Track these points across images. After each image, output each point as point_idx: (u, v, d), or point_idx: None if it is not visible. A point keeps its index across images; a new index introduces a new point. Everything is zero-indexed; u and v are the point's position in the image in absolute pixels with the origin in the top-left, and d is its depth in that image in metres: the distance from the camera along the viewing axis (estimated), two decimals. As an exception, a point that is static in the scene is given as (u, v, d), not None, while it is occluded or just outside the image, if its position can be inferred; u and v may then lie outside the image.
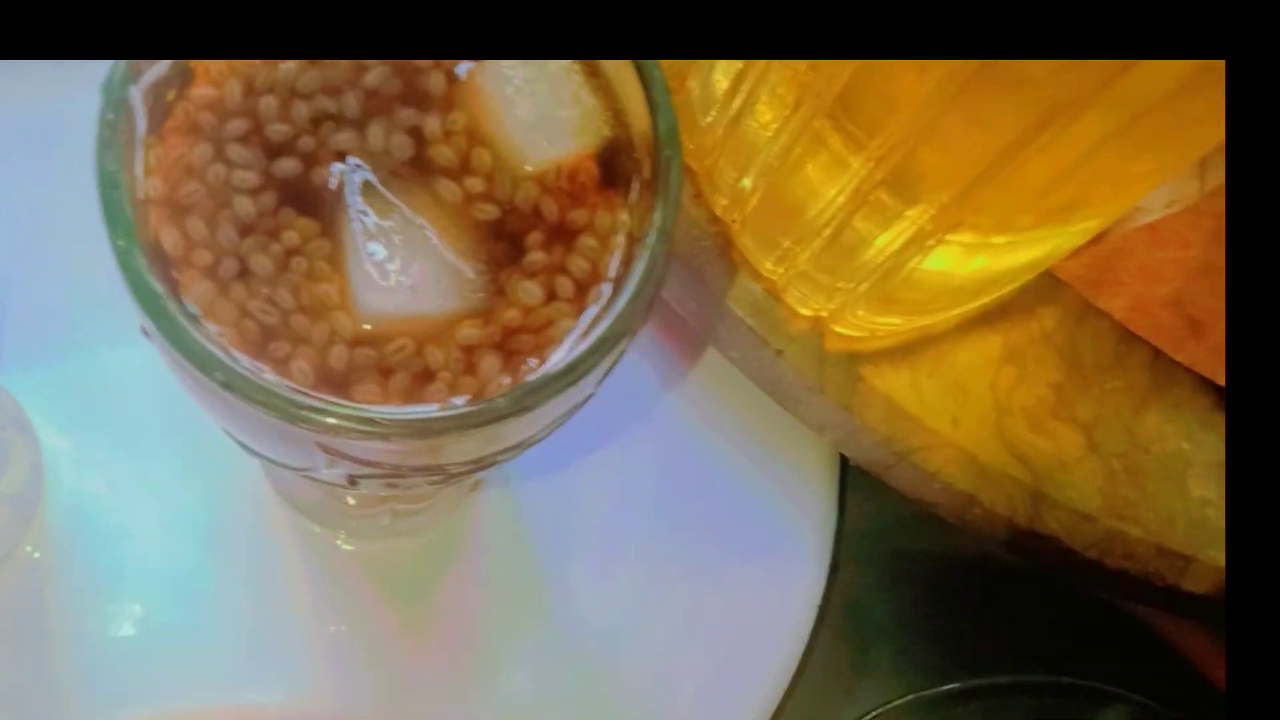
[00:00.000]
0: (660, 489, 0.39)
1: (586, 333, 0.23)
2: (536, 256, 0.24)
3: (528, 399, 0.22)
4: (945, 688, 0.38)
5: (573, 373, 0.22)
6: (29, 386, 0.38)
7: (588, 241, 0.24)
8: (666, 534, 0.38)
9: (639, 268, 0.22)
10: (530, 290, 0.23)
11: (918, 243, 0.30)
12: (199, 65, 0.24)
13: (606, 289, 0.23)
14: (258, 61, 0.24)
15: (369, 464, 0.23)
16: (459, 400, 0.23)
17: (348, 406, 0.22)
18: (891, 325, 0.34)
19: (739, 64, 0.30)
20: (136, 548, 0.38)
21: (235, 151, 0.24)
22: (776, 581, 0.38)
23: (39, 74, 0.39)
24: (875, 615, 0.40)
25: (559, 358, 0.23)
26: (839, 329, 0.34)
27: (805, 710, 0.39)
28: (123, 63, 0.22)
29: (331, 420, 0.21)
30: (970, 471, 0.34)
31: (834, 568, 0.39)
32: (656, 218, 0.23)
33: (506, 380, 0.23)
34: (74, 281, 0.39)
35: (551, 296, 0.24)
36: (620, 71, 0.24)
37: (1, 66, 0.39)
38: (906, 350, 0.34)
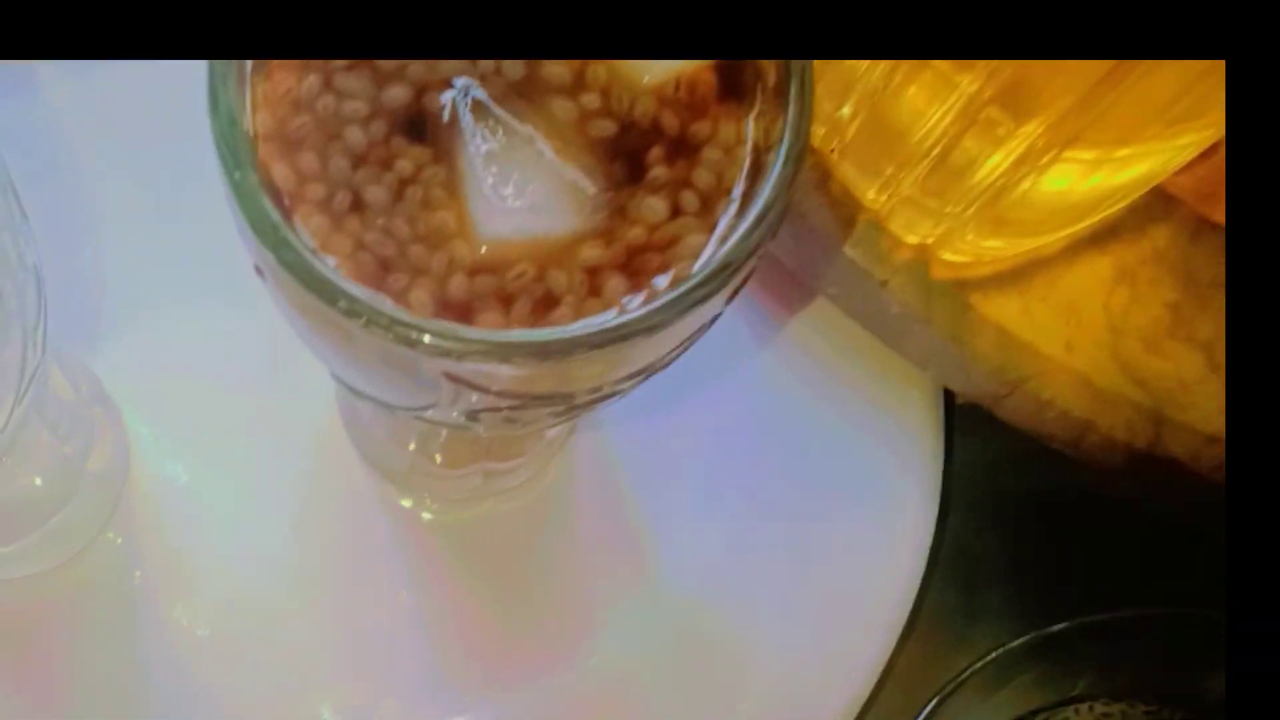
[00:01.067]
0: (759, 437, 0.38)
1: (718, 248, 0.22)
2: (659, 172, 0.23)
3: (657, 315, 0.21)
4: (1059, 626, 0.36)
5: (704, 287, 0.21)
6: (113, 367, 0.38)
7: (712, 154, 0.23)
8: (767, 482, 0.37)
9: (773, 175, 0.21)
10: (654, 206, 0.23)
11: (1031, 160, 0.29)
12: (301, -4, 0.23)
13: (734, 202, 0.23)
14: (360, -12, 0.23)
15: (492, 393, 0.22)
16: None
17: (475, 330, 0.21)
18: (999, 249, 0.33)
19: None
20: (220, 531, 0.38)
21: (343, 81, 0.23)
22: (884, 527, 0.37)
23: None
24: (984, 558, 0.39)
25: (692, 275, 0.22)
26: (946, 255, 0.32)
27: (918, 658, 0.38)
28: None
29: (457, 344, 0.20)
30: (1087, 397, 0.33)
31: (942, 512, 0.38)
32: (790, 122, 0.22)
33: (635, 301, 0.22)
34: (159, 260, 0.39)
35: (677, 212, 0.23)
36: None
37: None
38: (1015, 275, 0.33)
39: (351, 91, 0.23)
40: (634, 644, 0.37)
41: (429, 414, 0.24)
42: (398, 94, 0.23)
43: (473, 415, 0.23)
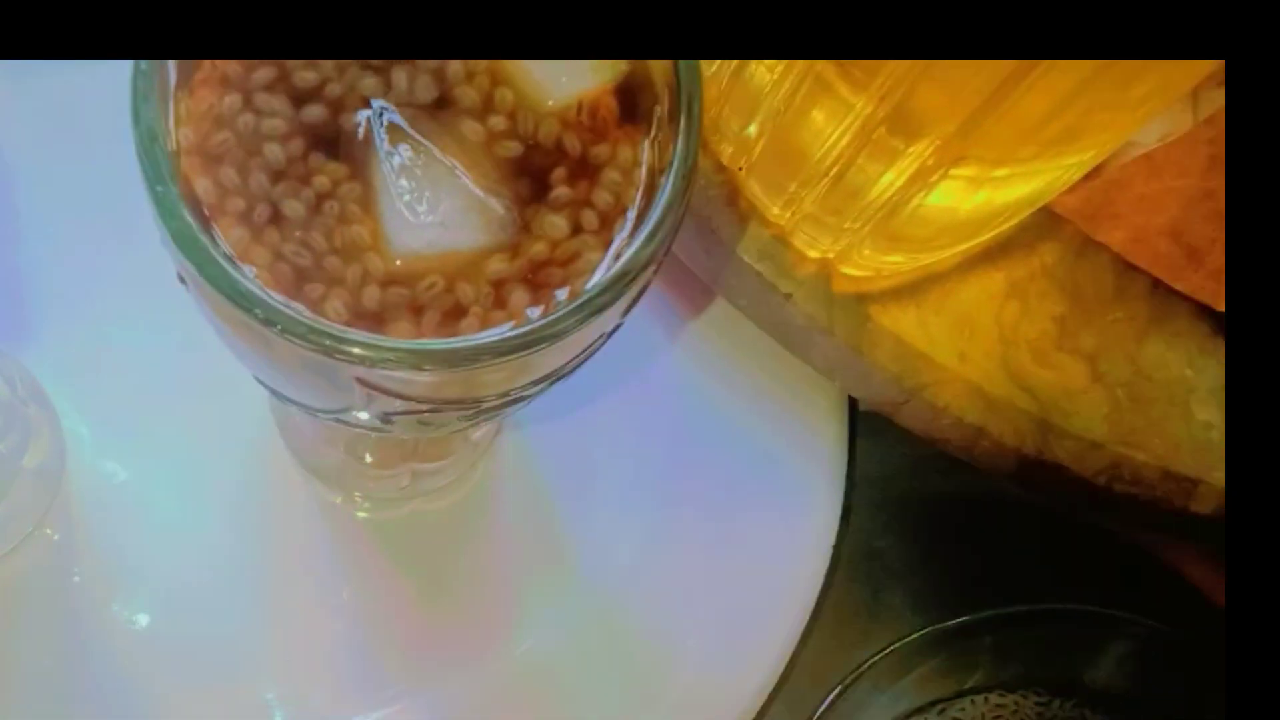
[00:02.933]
0: (672, 439, 0.39)
1: (613, 263, 0.24)
2: (561, 191, 0.24)
3: (557, 325, 0.23)
4: (956, 620, 0.38)
5: (600, 299, 0.22)
6: (49, 365, 0.39)
7: (611, 175, 0.24)
8: (680, 481, 0.39)
9: (664, 195, 0.23)
10: (556, 224, 0.24)
11: (921, 179, 0.31)
12: (224, 18, 0.25)
13: (630, 221, 0.24)
14: (281, 12, 0.25)
15: (405, 398, 0.24)
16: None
17: (385, 339, 0.22)
18: (897, 264, 0.34)
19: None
20: (157, 527, 0.39)
21: (263, 100, 0.24)
22: (790, 527, 0.39)
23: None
24: (886, 557, 0.41)
25: (588, 289, 0.24)
26: (846, 269, 0.34)
27: (822, 653, 0.40)
28: (153, 13, 0.23)
29: (370, 352, 0.22)
30: (979, 404, 0.35)
31: (846, 512, 0.39)
32: (679, 145, 0.23)
33: (536, 312, 0.24)
34: (93, 260, 0.40)
35: (577, 230, 0.24)
36: None
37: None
38: (912, 289, 0.35)
39: (271, 109, 0.24)
40: (557, 635, 0.38)
41: (346, 417, 0.26)
42: (315, 112, 0.24)
43: (387, 419, 0.25)
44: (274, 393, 0.27)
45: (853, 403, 0.40)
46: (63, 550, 0.39)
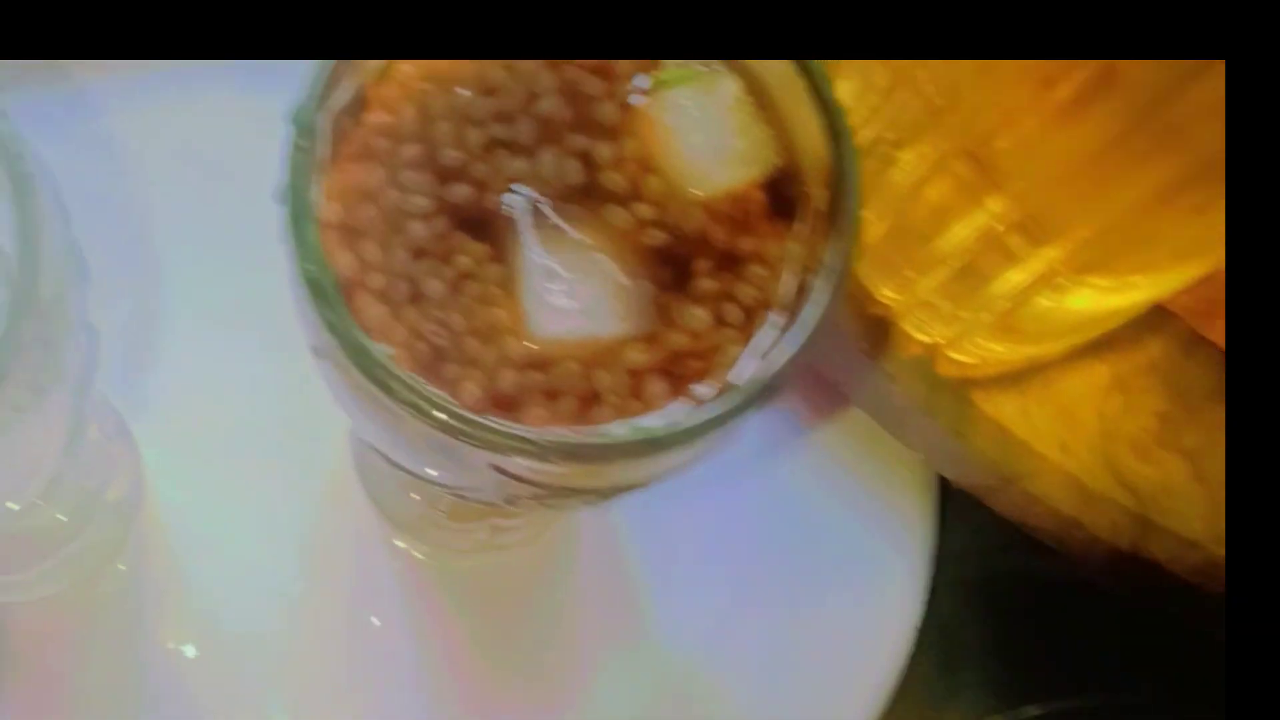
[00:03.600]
0: (757, 509, 0.39)
1: (756, 360, 0.23)
2: (704, 283, 0.24)
3: (701, 428, 0.22)
4: (1035, 709, 0.38)
5: (746, 402, 0.22)
6: (131, 399, 0.39)
7: (755, 269, 0.24)
8: (763, 553, 0.39)
9: (818, 295, 0.23)
10: (698, 315, 0.24)
11: (1047, 281, 0.30)
12: (374, 91, 0.25)
13: (775, 317, 0.24)
14: (431, 88, 0.25)
15: (537, 485, 0.24)
16: (624, 424, 0.23)
17: (531, 430, 0.22)
18: (1006, 353, 0.34)
19: (873, 97, 0.30)
20: (227, 563, 0.38)
21: (409, 177, 0.24)
22: (873, 603, 0.38)
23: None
24: (963, 637, 0.41)
25: (724, 383, 0.24)
26: (953, 355, 0.34)
27: (896, 730, 0.39)
28: (314, 90, 0.23)
29: (516, 443, 0.22)
30: (1076, 497, 0.35)
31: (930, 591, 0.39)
32: (836, 247, 0.23)
33: (676, 404, 0.24)
34: (179, 294, 0.40)
35: (719, 322, 0.24)
36: (793, 99, 0.24)
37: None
38: (1016, 377, 0.35)
39: (416, 187, 0.24)
40: (625, 701, 0.38)
41: (468, 494, 0.26)
42: (460, 192, 0.24)
43: (512, 499, 0.25)
44: (391, 462, 0.27)
45: (941, 478, 0.39)
46: (133, 584, 0.39)
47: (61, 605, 0.37)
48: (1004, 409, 0.35)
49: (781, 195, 0.25)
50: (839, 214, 0.23)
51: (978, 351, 0.34)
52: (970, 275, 0.31)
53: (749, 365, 0.23)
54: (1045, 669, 0.40)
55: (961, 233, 0.30)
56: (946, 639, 0.40)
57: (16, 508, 0.27)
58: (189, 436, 0.39)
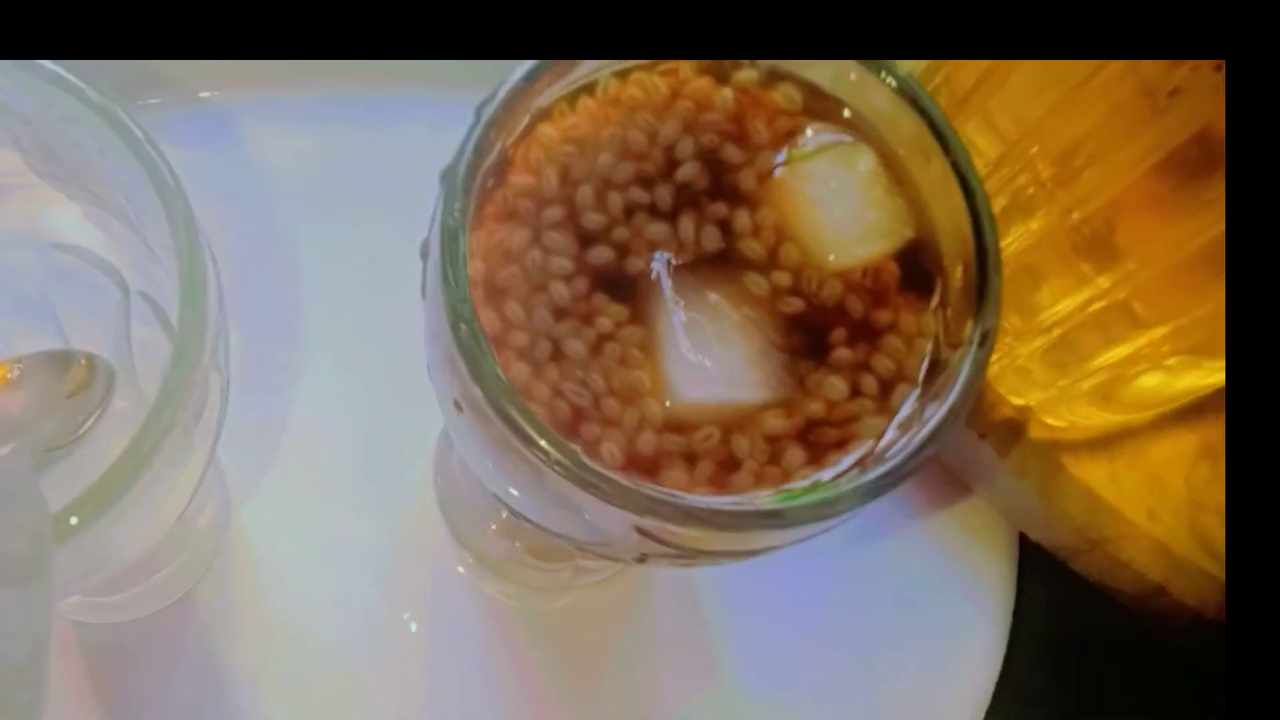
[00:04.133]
0: (837, 561, 0.39)
1: (899, 434, 0.24)
2: (841, 353, 0.24)
3: (851, 497, 0.23)
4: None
5: (901, 470, 0.22)
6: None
7: (893, 341, 0.25)
8: (842, 605, 0.39)
9: (965, 369, 0.23)
10: (835, 385, 0.24)
11: (1149, 359, 0.31)
12: (518, 154, 0.25)
13: (911, 390, 0.24)
14: (573, 151, 0.25)
15: (674, 546, 0.24)
16: (765, 492, 0.24)
17: (688, 497, 0.22)
18: (1097, 418, 0.34)
19: (981, 166, 0.31)
20: (308, 591, 0.39)
21: (552, 238, 0.25)
22: (951, 660, 0.38)
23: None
24: (1037, 693, 0.41)
25: (861, 453, 0.24)
26: (1046, 419, 0.34)
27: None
28: (468, 153, 0.23)
29: (667, 508, 0.22)
30: (1163, 563, 0.35)
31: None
32: (981, 322, 0.23)
33: (811, 472, 0.24)
34: (266, 320, 0.40)
35: (855, 393, 0.24)
36: (929, 173, 0.25)
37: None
38: (1106, 442, 0.35)
39: (559, 248, 0.25)
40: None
41: (596, 549, 0.26)
42: (601, 254, 0.25)
43: (641, 558, 0.25)
44: (513, 512, 0.27)
45: (1021, 536, 0.40)
46: (215, 608, 0.39)
47: (145, 626, 0.37)
48: (1093, 473, 0.35)
49: (915, 268, 0.25)
50: (985, 290, 0.23)
51: (1070, 416, 0.34)
52: (1071, 346, 0.32)
53: (893, 437, 0.24)
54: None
55: (1066, 305, 0.31)
56: (1018, 695, 0.40)
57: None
58: (274, 464, 0.40)
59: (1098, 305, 0.31)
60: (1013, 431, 0.35)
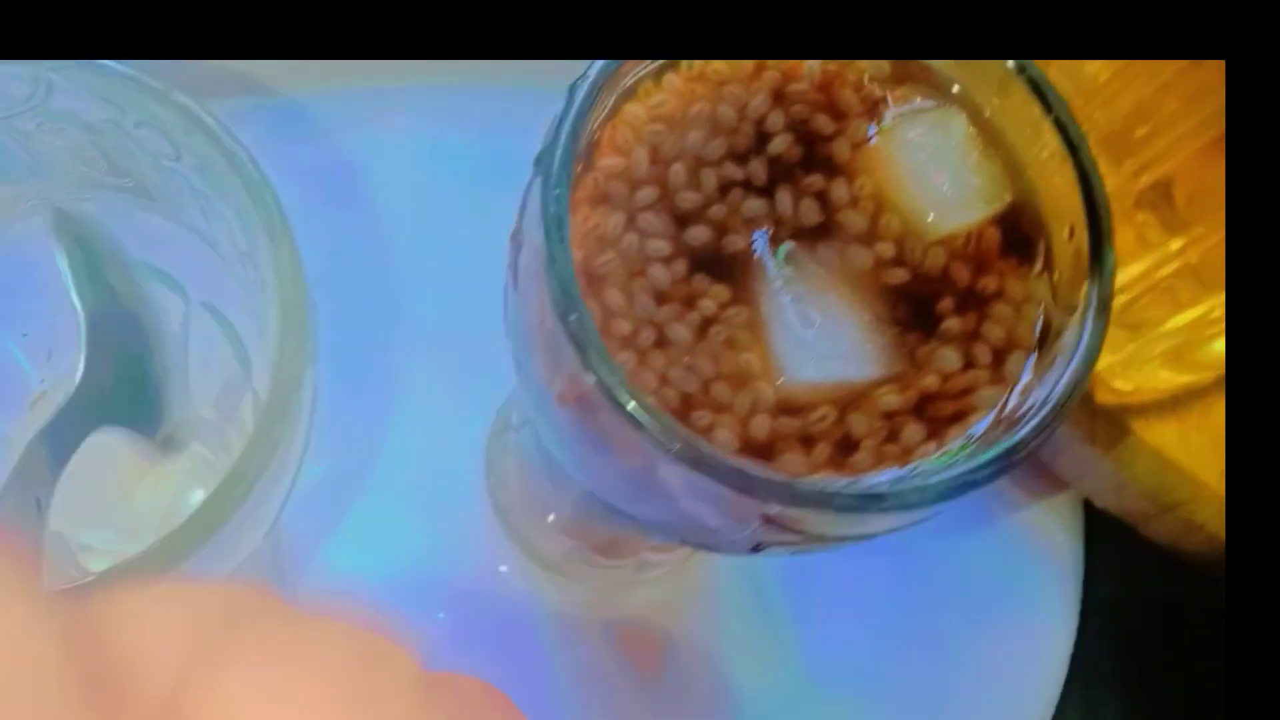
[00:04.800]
0: (901, 543, 0.39)
1: (1020, 401, 0.23)
2: (950, 323, 0.24)
3: (1001, 463, 0.22)
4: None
5: (1031, 437, 0.22)
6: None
7: (1002, 309, 0.24)
8: (907, 590, 0.38)
9: (1085, 338, 0.22)
10: (947, 356, 0.24)
11: (1221, 322, 0.30)
12: (605, 135, 0.24)
13: (1026, 359, 0.24)
14: (662, 129, 0.24)
15: (799, 533, 0.23)
16: (887, 471, 0.23)
17: (821, 481, 0.22)
18: (1165, 379, 0.34)
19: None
20: (357, 598, 0.38)
21: (647, 220, 0.24)
22: (1025, 634, 0.38)
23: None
24: (1101, 666, 0.40)
25: (981, 426, 0.23)
26: (1115, 383, 0.34)
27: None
28: (564, 135, 0.22)
29: (807, 493, 0.21)
30: (1236, 523, 0.35)
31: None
32: (1098, 285, 0.23)
33: (932, 448, 0.23)
34: (352, 316, 0.39)
35: (968, 364, 0.24)
36: (1027, 134, 0.24)
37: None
38: (1174, 404, 0.35)
39: (655, 230, 0.24)
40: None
41: (707, 539, 0.25)
42: (699, 234, 0.24)
43: (759, 547, 0.24)
44: (609, 508, 0.26)
45: (1087, 506, 0.39)
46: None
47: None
48: (1163, 436, 0.34)
49: (1016, 233, 0.24)
50: (1100, 251, 0.23)
51: (1138, 379, 0.34)
52: (1141, 310, 0.31)
53: (1014, 405, 0.23)
54: (1185, 702, 0.40)
55: (1135, 270, 0.30)
56: (1083, 668, 0.40)
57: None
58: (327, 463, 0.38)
59: (1166, 270, 0.30)
60: (1082, 398, 0.34)
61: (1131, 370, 0.33)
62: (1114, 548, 0.39)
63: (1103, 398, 0.34)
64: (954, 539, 0.39)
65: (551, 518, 0.37)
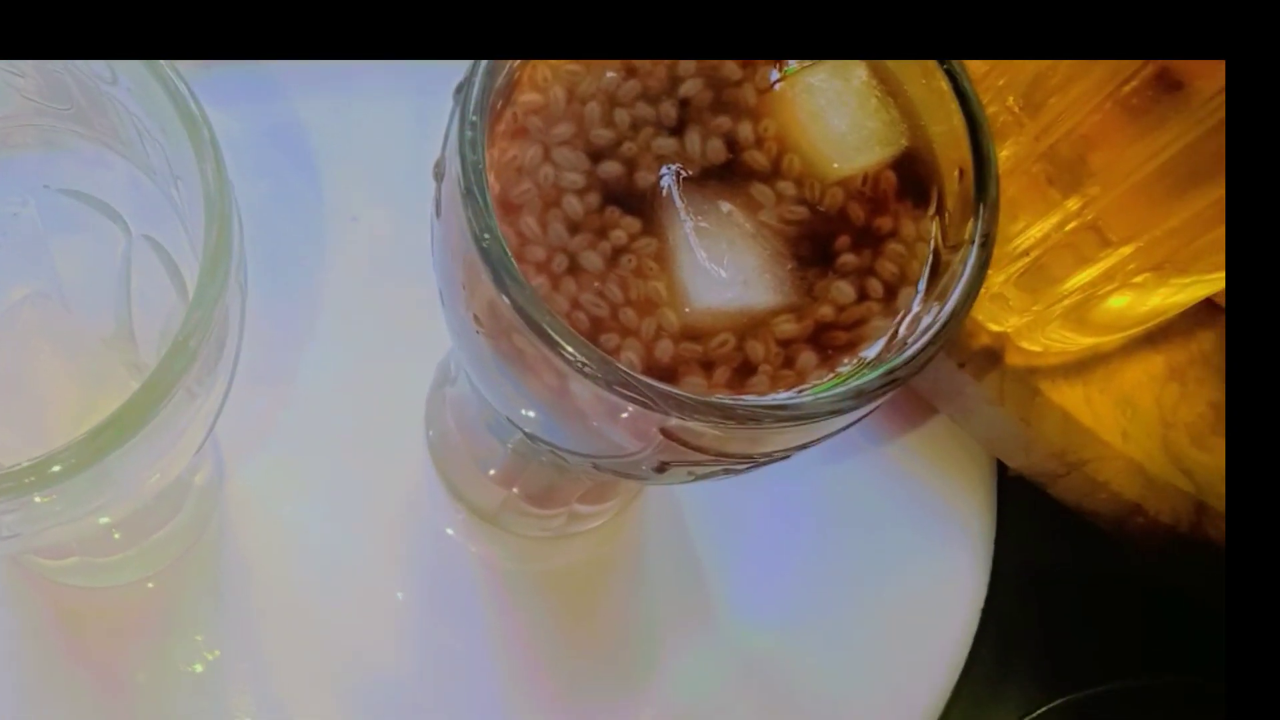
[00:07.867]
0: (821, 496, 0.40)
1: (907, 332, 0.25)
2: (847, 258, 0.25)
3: (886, 380, 0.23)
4: (1097, 689, 0.39)
5: (914, 363, 0.23)
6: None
7: (894, 247, 0.25)
8: (828, 541, 0.40)
9: (966, 270, 0.24)
10: (843, 289, 0.25)
11: (1118, 278, 0.32)
12: (524, 72, 0.26)
13: (919, 294, 0.25)
14: (580, 69, 0.26)
15: (696, 449, 0.24)
16: (784, 393, 0.25)
17: (718, 395, 0.23)
18: (1070, 341, 0.36)
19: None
20: (304, 550, 0.39)
21: (562, 154, 0.25)
22: (939, 591, 0.39)
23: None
24: (1016, 622, 0.42)
25: (871, 355, 0.25)
26: (1023, 345, 0.35)
27: (960, 714, 0.40)
28: (481, 69, 0.24)
29: (703, 405, 0.23)
30: (1138, 482, 0.36)
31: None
32: (980, 224, 0.24)
33: (825, 374, 0.25)
34: (261, 278, 0.40)
35: (862, 297, 0.25)
36: (921, 84, 0.26)
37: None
38: (1080, 366, 0.36)
39: (569, 164, 0.25)
40: (698, 686, 0.39)
41: (610, 463, 0.26)
42: (611, 169, 0.25)
43: (662, 467, 0.26)
44: (528, 436, 0.28)
45: (1000, 469, 0.41)
46: (210, 573, 0.39)
47: (140, 591, 0.37)
48: (1069, 397, 0.36)
49: (911, 177, 0.26)
50: (984, 194, 0.24)
51: (1045, 340, 0.35)
52: (1045, 270, 0.33)
53: (897, 336, 0.25)
54: (1095, 651, 0.41)
55: (1038, 230, 0.32)
56: (998, 624, 0.42)
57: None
58: (265, 421, 0.39)
59: (1068, 228, 0.32)
60: (990, 359, 0.36)
61: (1037, 332, 0.35)
62: (1024, 510, 0.41)
63: (1012, 359, 0.36)
64: (872, 500, 0.40)
65: (492, 472, 0.38)
